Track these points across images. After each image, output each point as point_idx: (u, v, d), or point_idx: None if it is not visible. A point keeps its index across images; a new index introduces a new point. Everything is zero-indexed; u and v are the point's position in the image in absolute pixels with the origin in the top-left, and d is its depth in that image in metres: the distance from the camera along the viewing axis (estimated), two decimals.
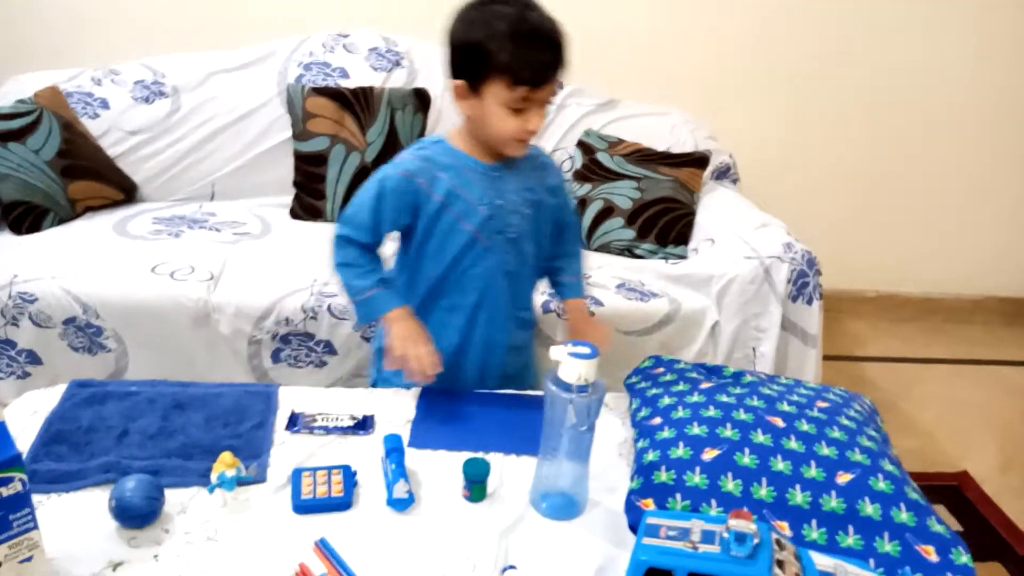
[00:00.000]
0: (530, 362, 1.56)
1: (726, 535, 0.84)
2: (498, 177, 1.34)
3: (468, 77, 1.26)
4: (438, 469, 1.16)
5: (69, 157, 2.21)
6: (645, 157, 2.37)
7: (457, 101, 1.30)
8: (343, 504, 1.06)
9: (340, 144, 2.31)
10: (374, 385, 1.52)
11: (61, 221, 2.17)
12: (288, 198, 2.37)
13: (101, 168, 2.30)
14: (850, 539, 0.97)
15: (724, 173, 2.56)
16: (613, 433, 1.28)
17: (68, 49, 2.53)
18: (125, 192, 2.35)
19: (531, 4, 1.25)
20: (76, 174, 2.22)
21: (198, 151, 2.39)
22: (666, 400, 1.22)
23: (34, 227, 2.11)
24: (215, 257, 1.99)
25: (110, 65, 2.42)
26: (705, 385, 1.25)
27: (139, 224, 2.18)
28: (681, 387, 1.26)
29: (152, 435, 1.18)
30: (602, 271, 2.13)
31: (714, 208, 2.32)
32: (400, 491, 1.06)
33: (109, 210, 2.28)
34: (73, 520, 1.01)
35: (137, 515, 0.99)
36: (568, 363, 1.01)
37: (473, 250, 1.35)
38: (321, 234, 2.19)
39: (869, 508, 0.99)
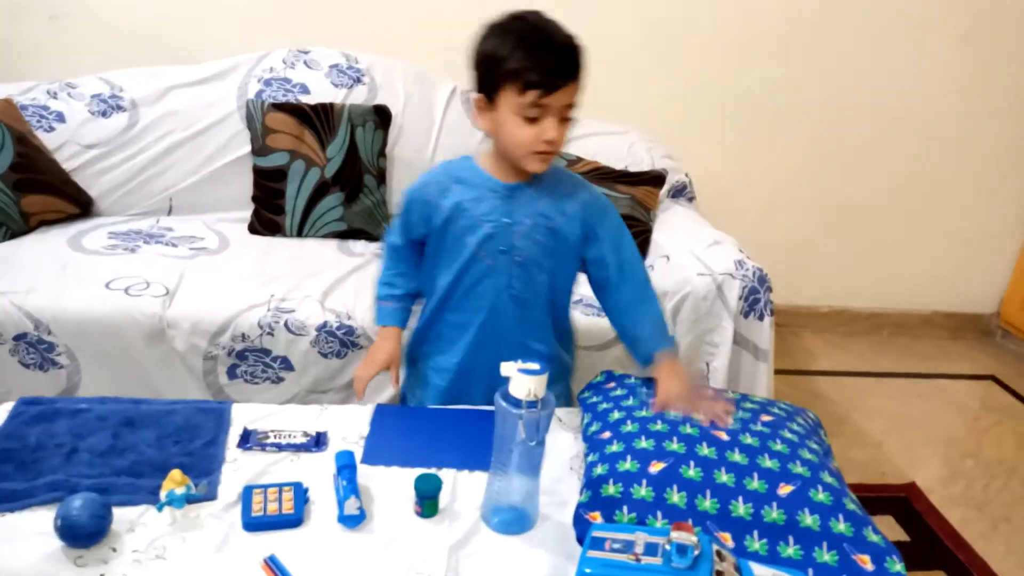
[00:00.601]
0: (562, 394, 1.51)
1: (668, 547, 0.86)
2: (511, 197, 1.34)
3: (484, 89, 1.27)
4: (390, 485, 1.16)
5: (22, 171, 2.18)
6: (603, 175, 2.40)
7: (477, 117, 1.31)
8: (294, 521, 1.07)
9: (300, 160, 2.31)
10: (403, 396, 1.60)
11: (14, 235, 2.13)
12: (247, 213, 2.36)
13: (56, 182, 2.27)
14: (790, 549, 1.00)
15: (680, 191, 2.61)
16: (565, 448, 1.30)
17: (23, 63, 2.50)
18: (81, 206, 2.32)
19: (546, 18, 1.26)
20: (30, 188, 2.19)
21: (156, 165, 2.37)
22: (616, 415, 1.24)
23: None
24: (171, 272, 1.97)
25: (66, 79, 2.40)
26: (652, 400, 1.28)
27: (94, 239, 2.16)
28: (631, 402, 1.29)
29: (102, 453, 1.17)
30: None
31: (670, 226, 2.37)
32: (351, 507, 1.07)
33: (64, 224, 2.25)
34: (18, 540, 1.00)
35: (83, 534, 0.98)
36: (517, 379, 1.03)
37: (476, 267, 1.36)
38: (280, 249, 2.21)
39: (809, 519, 1.02)
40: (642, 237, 2.31)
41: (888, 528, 2.06)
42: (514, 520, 1.10)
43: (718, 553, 0.89)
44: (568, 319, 1.54)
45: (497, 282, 1.37)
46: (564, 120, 1.26)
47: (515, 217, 1.34)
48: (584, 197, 1.39)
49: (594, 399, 1.32)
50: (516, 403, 1.03)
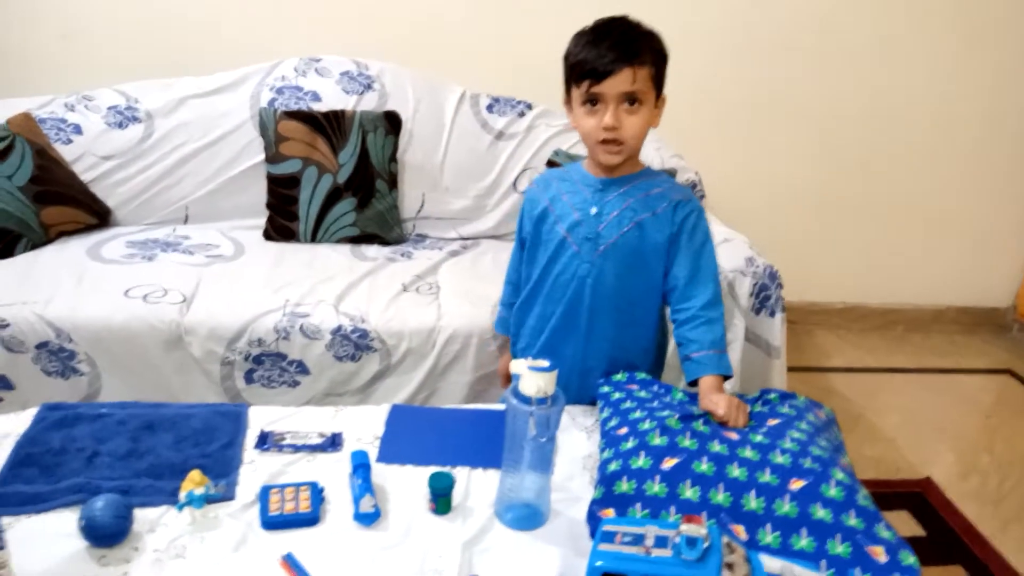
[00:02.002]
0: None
1: (678, 540, 0.87)
2: (602, 190, 1.41)
3: (566, 89, 1.37)
4: (405, 484, 1.18)
5: (42, 183, 2.22)
6: None
7: (568, 118, 1.40)
8: (310, 519, 1.09)
9: (312, 166, 2.34)
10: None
11: (34, 246, 2.18)
12: (261, 220, 2.39)
13: (75, 193, 2.32)
14: (803, 541, 1.00)
15: (690, 190, 2.61)
16: (577, 446, 1.31)
17: (39, 77, 2.55)
18: (99, 217, 2.36)
19: (620, 17, 1.33)
20: (49, 199, 2.23)
21: (171, 175, 2.41)
22: (636, 413, 1.25)
23: (7, 252, 2.12)
24: (188, 280, 2.00)
25: (83, 91, 2.44)
26: (673, 404, 1.29)
27: (112, 248, 2.20)
28: (654, 404, 1.29)
29: (122, 456, 1.20)
30: None
31: None
32: (366, 505, 1.09)
33: (83, 235, 2.29)
34: (43, 541, 1.02)
35: (106, 534, 1.01)
36: (527, 377, 1.05)
37: (564, 252, 1.43)
38: (294, 255, 2.24)
39: (821, 512, 1.02)
40: None
41: (904, 523, 2.05)
42: (527, 516, 1.11)
43: (728, 545, 0.90)
44: (655, 318, 1.48)
45: (580, 270, 1.42)
46: (631, 108, 1.30)
47: (603, 208, 1.40)
48: (677, 200, 1.40)
49: (616, 395, 1.33)
50: (526, 400, 1.05)
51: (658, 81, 1.33)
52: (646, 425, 1.19)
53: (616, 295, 1.42)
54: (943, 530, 2.05)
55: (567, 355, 1.46)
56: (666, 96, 1.38)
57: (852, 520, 1.02)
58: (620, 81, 1.27)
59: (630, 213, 1.38)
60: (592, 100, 1.30)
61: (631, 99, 1.30)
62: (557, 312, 1.46)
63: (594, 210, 1.39)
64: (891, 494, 2.15)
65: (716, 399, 1.24)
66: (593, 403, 1.42)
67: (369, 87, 2.49)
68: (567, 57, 1.34)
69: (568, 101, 1.38)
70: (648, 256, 1.40)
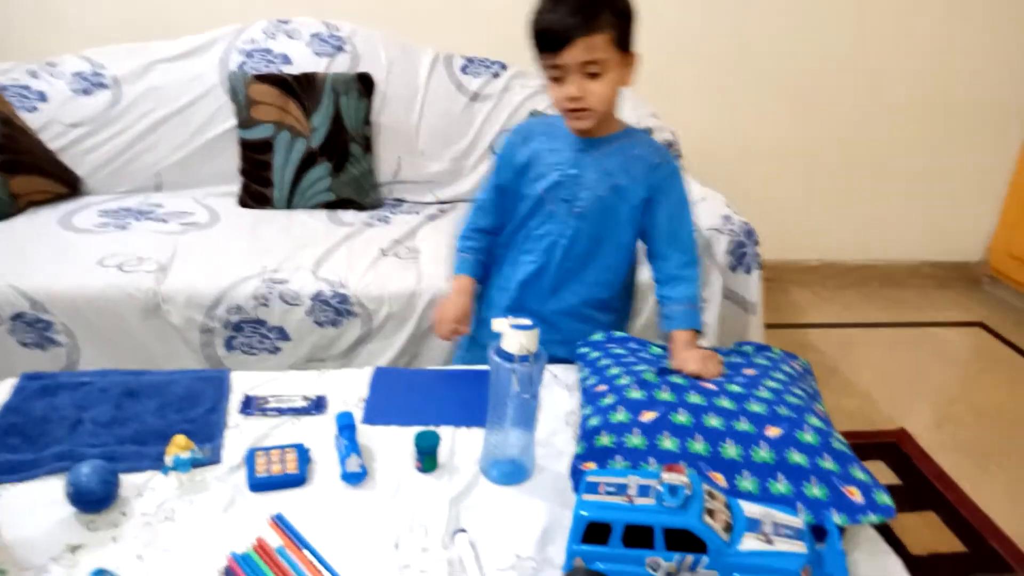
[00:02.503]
0: None
1: (660, 488, 0.89)
2: (583, 151, 1.39)
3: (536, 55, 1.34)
4: (391, 444, 1.19)
5: (8, 152, 2.17)
6: None
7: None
8: (298, 480, 1.09)
9: (285, 131, 2.31)
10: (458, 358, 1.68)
11: (4, 216, 2.14)
12: (235, 186, 2.37)
13: (42, 162, 2.27)
14: (780, 486, 1.03)
15: (667, 150, 2.61)
16: (560, 403, 1.33)
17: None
18: (68, 186, 2.32)
19: None
20: (16, 169, 2.18)
21: (142, 142, 2.37)
22: (613, 370, 1.27)
23: None
24: (163, 248, 1.98)
25: (46, 58, 2.38)
26: (649, 359, 1.31)
27: (84, 217, 2.17)
28: (630, 359, 1.31)
29: (105, 423, 1.19)
30: None
31: None
32: (353, 465, 1.10)
33: (53, 204, 2.25)
34: (30, 508, 1.02)
35: (93, 499, 1.01)
36: (510, 335, 1.06)
37: (539, 212, 1.43)
38: (270, 221, 2.22)
39: (797, 457, 1.05)
40: None
41: (880, 472, 2.11)
42: (512, 472, 1.13)
43: (709, 492, 0.92)
44: (625, 280, 1.53)
45: (553, 229, 1.43)
46: (593, 76, 1.28)
47: (582, 170, 1.39)
48: (654, 162, 1.40)
49: (594, 354, 1.34)
50: (509, 358, 1.06)
51: (622, 42, 1.29)
52: (623, 380, 1.21)
53: (587, 255, 1.45)
54: (917, 478, 2.10)
55: (531, 309, 1.47)
56: (639, 54, 1.34)
57: (827, 463, 1.04)
58: (576, 52, 1.25)
59: (608, 176, 1.39)
60: (554, 71, 1.29)
61: (591, 67, 1.27)
62: (528, 268, 1.48)
63: (574, 171, 1.39)
64: (867, 445, 2.20)
65: (685, 357, 1.27)
66: (567, 361, 1.44)
67: (340, 49, 2.46)
68: (530, 24, 1.31)
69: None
70: (622, 218, 1.42)
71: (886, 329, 2.97)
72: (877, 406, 2.44)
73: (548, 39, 1.26)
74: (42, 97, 2.33)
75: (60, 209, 2.22)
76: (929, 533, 1.90)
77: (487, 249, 1.55)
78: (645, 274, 2.04)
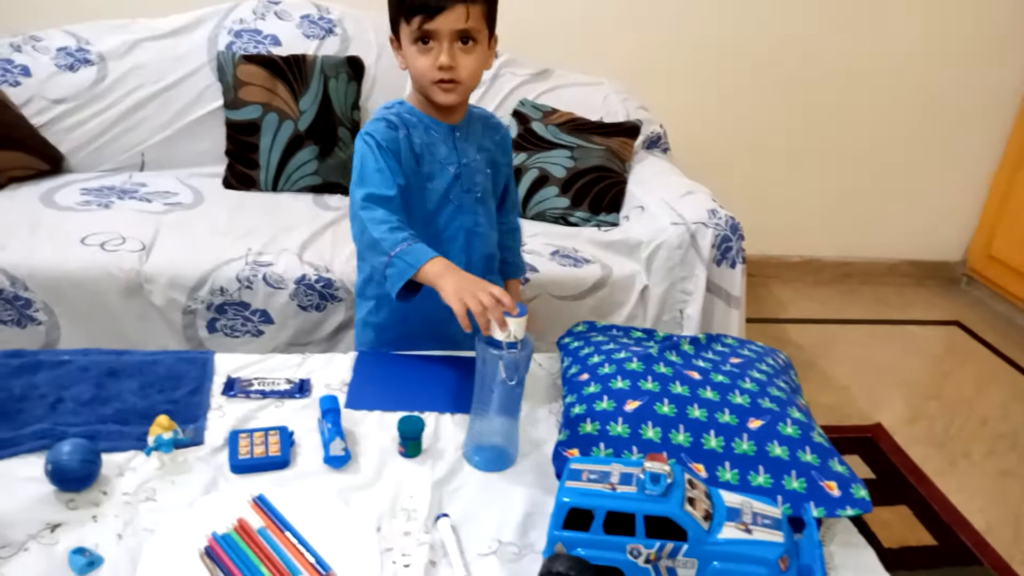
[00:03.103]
0: None
1: (642, 476, 0.90)
2: (460, 137, 1.37)
3: (393, 28, 1.29)
4: (374, 428, 1.19)
5: None
6: (579, 127, 2.42)
7: (396, 58, 1.32)
8: (280, 463, 1.09)
9: (273, 113, 2.30)
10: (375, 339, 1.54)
11: None
12: (220, 168, 2.35)
13: (24, 138, 2.24)
14: (760, 478, 1.04)
15: (655, 143, 2.63)
16: (544, 391, 1.33)
17: None
18: (51, 162, 2.29)
19: None
20: None
21: (126, 120, 2.35)
22: (595, 358, 1.27)
23: None
24: (146, 227, 1.97)
25: (30, 31, 2.35)
26: (632, 347, 1.32)
27: (67, 195, 2.14)
28: (610, 346, 1.32)
29: (86, 402, 1.19)
30: (537, 239, 2.18)
31: (644, 176, 2.39)
32: (336, 448, 1.10)
33: (35, 181, 2.23)
34: (9, 485, 1.02)
35: (74, 478, 1.00)
36: None
37: (445, 210, 1.38)
38: (255, 203, 2.21)
39: (778, 450, 1.06)
40: (617, 188, 2.33)
41: (855, 466, 2.14)
42: (495, 458, 1.14)
43: (690, 481, 0.93)
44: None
45: (465, 221, 1.40)
46: (465, 47, 1.25)
47: (468, 156, 1.38)
48: (503, 130, 1.48)
49: (575, 344, 1.35)
50: (496, 344, 1.06)
51: (491, 20, 1.28)
52: (606, 369, 1.22)
53: (490, 229, 1.47)
54: (891, 472, 2.14)
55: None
56: (498, 36, 1.32)
57: (807, 456, 1.06)
58: (454, 18, 1.21)
59: (486, 154, 1.42)
60: (424, 38, 1.23)
61: (465, 37, 1.24)
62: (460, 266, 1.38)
63: (464, 160, 1.37)
64: (843, 439, 2.23)
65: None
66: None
67: (330, 31, 2.44)
68: None
69: (396, 39, 1.30)
70: (498, 186, 1.50)
71: (864, 326, 3.01)
72: (854, 401, 2.47)
73: (423, 2, 1.19)
74: (25, 72, 2.29)
75: (42, 186, 2.19)
76: (901, 526, 1.93)
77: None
78: (626, 267, 2.06)
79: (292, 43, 2.40)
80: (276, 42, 2.40)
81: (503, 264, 1.58)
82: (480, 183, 1.41)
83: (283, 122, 2.30)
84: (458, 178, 1.37)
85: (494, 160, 1.45)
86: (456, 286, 1.11)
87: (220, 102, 2.35)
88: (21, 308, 1.82)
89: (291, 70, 2.30)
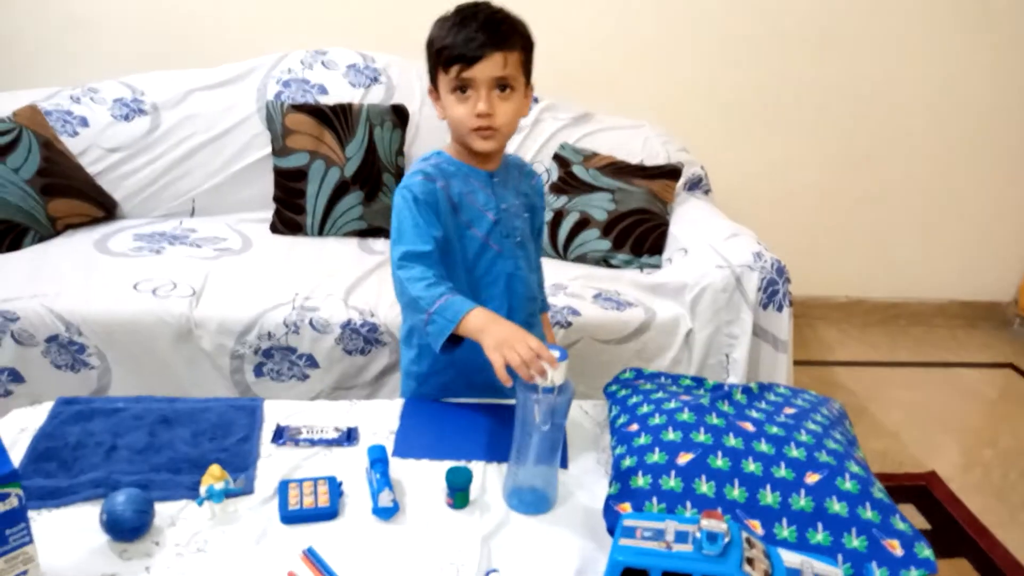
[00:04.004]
0: None
1: (698, 535, 0.88)
2: (498, 183, 1.38)
3: (431, 78, 1.31)
4: (422, 478, 1.19)
5: (49, 175, 2.22)
6: (619, 169, 2.42)
7: (435, 108, 1.34)
8: (329, 514, 1.09)
9: (319, 160, 2.34)
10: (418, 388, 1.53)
11: (41, 239, 2.18)
12: (268, 213, 2.40)
13: (81, 186, 2.31)
14: (819, 536, 1.01)
15: (696, 184, 2.62)
16: (591, 440, 1.32)
17: (44, 69, 2.55)
18: (105, 209, 2.36)
19: (483, 2, 1.27)
20: (56, 192, 2.23)
21: (178, 168, 2.41)
22: (644, 408, 1.26)
23: (14, 246, 2.12)
24: (196, 273, 2.00)
25: (88, 83, 2.44)
26: (682, 396, 1.30)
27: (120, 241, 2.20)
28: (659, 395, 1.30)
29: (140, 450, 1.20)
30: (579, 281, 2.18)
31: (687, 219, 2.38)
32: (385, 500, 1.09)
33: (89, 227, 2.29)
34: (65, 535, 1.03)
35: (128, 528, 1.01)
36: None
37: (485, 256, 1.38)
38: (302, 248, 2.24)
39: (837, 506, 1.03)
40: (659, 230, 2.33)
41: (909, 517, 2.05)
42: (534, 502, 1.13)
43: (747, 540, 0.91)
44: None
45: (505, 266, 1.40)
46: (503, 94, 1.26)
47: (508, 202, 1.39)
48: (537, 176, 1.52)
49: (623, 392, 1.34)
50: (534, 388, 1.06)
51: (527, 68, 1.30)
52: (657, 420, 1.20)
53: (530, 273, 1.47)
54: (948, 523, 2.06)
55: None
56: (534, 84, 1.34)
57: (868, 513, 1.03)
58: (491, 66, 1.23)
59: (524, 199, 1.44)
60: (462, 87, 1.25)
61: (502, 85, 1.25)
62: (503, 314, 1.37)
63: (504, 206, 1.38)
64: (896, 488, 2.16)
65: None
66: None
67: (376, 80, 2.49)
68: (432, 43, 1.28)
69: (435, 89, 1.31)
70: (534, 232, 1.51)
71: (914, 368, 2.94)
72: (906, 447, 2.40)
73: (462, 51, 1.22)
74: (84, 122, 2.38)
75: (96, 232, 2.25)
76: None
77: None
78: (670, 310, 2.05)
79: (339, 92, 2.46)
80: (323, 91, 2.46)
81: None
82: (519, 228, 1.41)
83: (329, 168, 2.34)
84: (497, 223, 1.37)
85: (532, 205, 1.48)
86: (497, 340, 1.12)
87: (268, 150, 2.40)
88: (75, 353, 1.86)
89: (338, 118, 2.35)
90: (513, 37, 1.26)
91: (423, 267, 1.24)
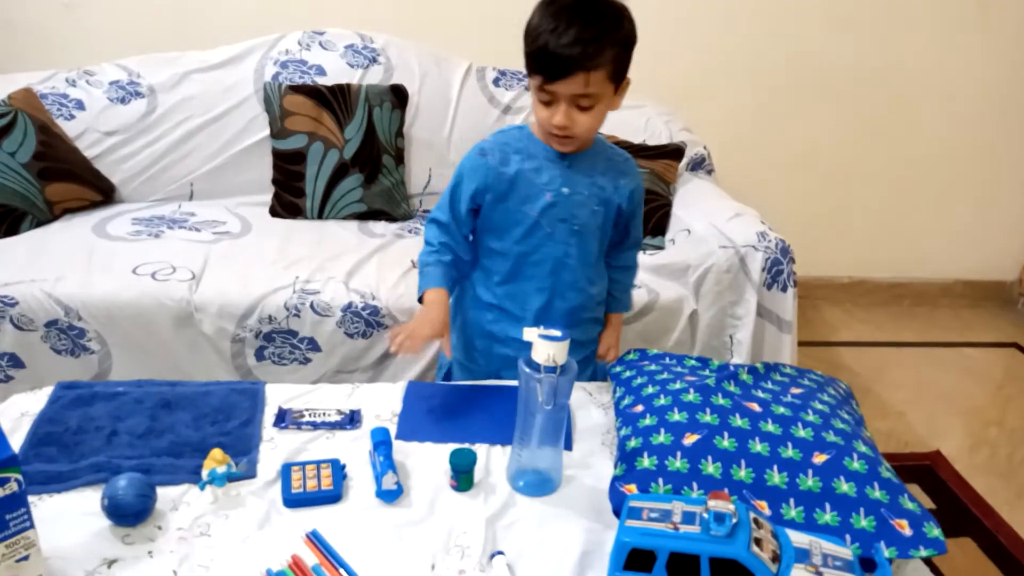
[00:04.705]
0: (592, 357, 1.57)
1: (706, 515, 0.87)
2: (569, 167, 1.36)
3: (526, 62, 1.29)
4: (425, 461, 1.18)
5: (46, 159, 2.20)
6: None
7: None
8: (333, 497, 1.08)
9: (318, 141, 2.32)
10: (447, 376, 1.62)
11: (39, 224, 2.16)
12: (267, 196, 2.38)
13: (78, 170, 2.29)
14: (827, 516, 1.00)
15: (699, 164, 2.60)
16: (595, 421, 1.31)
17: (39, 52, 2.52)
18: (103, 193, 2.34)
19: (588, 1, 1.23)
20: (53, 176, 2.21)
21: (176, 151, 2.39)
22: (649, 389, 1.25)
23: (12, 230, 2.10)
24: (196, 257, 1.99)
25: (84, 66, 2.41)
26: (687, 376, 1.29)
27: (118, 225, 2.18)
28: (664, 375, 1.29)
29: (141, 434, 1.19)
30: None
31: (690, 199, 2.36)
32: (389, 483, 1.09)
33: (87, 212, 2.27)
34: (66, 520, 1.02)
35: (130, 513, 1.00)
36: (538, 344, 1.05)
37: (535, 235, 1.38)
38: (301, 231, 2.22)
39: (844, 486, 1.02)
40: (662, 211, 2.31)
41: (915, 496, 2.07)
42: (538, 483, 1.12)
43: (755, 520, 0.90)
44: (604, 274, 1.54)
45: (555, 251, 1.39)
46: (582, 108, 1.26)
47: (574, 187, 1.37)
48: (635, 176, 1.45)
49: (627, 373, 1.32)
50: (536, 368, 1.05)
51: (618, 74, 1.27)
52: (662, 401, 1.19)
53: (583, 266, 1.43)
54: (953, 503, 2.06)
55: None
56: (630, 79, 1.31)
57: (876, 493, 1.02)
58: (573, 85, 1.22)
59: (598, 190, 1.39)
60: (545, 93, 1.25)
61: (583, 100, 1.25)
62: (523, 291, 1.43)
63: (566, 190, 1.36)
64: (900, 468, 2.14)
65: (614, 341, 1.57)
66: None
67: (374, 60, 2.46)
68: (527, 34, 1.25)
69: (528, 70, 1.30)
70: (609, 228, 1.46)
71: (919, 348, 2.92)
72: (911, 427, 2.39)
73: (547, 66, 1.21)
74: (80, 105, 2.35)
75: (94, 216, 2.24)
76: (967, 561, 1.86)
77: (457, 266, 1.45)
78: (674, 291, 2.03)
79: (337, 73, 2.43)
80: (321, 72, 2.43)
81: (609, 297, 1.55)
82: (581, 217, 1.38)
83: (328, 151, 2.32)
84: (554, 205, 1.36)
85: (609, 201, 1.41)
86: (421, 315, 1.37)
87: (267, 132, 2.38)
88: (75, 337, 1.85)
89: (336, 99, 2.33)
90: (604, 52, 1.21)
91: (435, 231, 1.44)
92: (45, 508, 1.04)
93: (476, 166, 1.38)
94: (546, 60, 1.21)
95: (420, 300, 1.42)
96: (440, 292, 1.39)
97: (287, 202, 2.34)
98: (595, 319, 1.54)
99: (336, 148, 2.32)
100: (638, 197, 1.47)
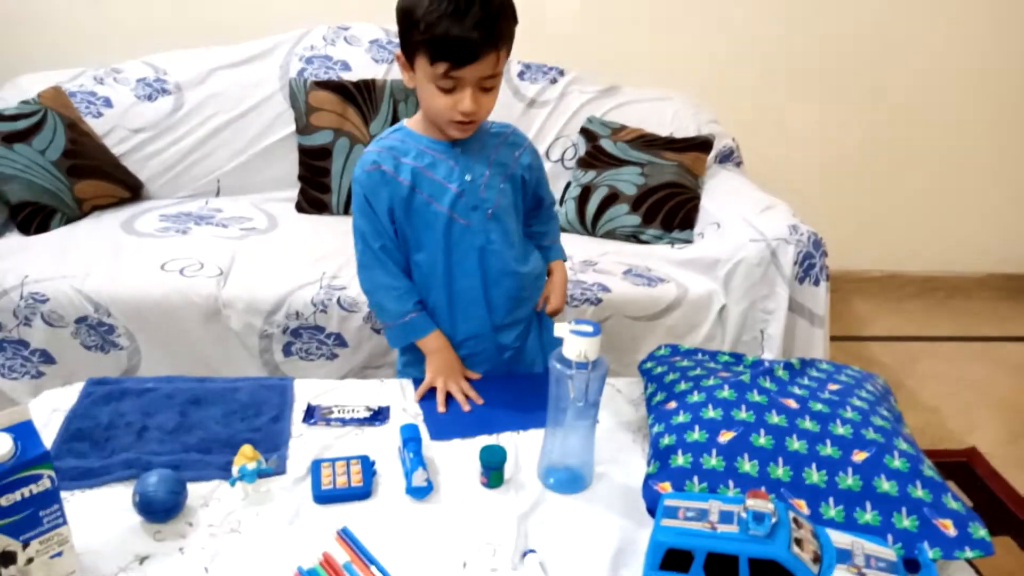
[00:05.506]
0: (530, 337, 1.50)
1: (744, 515, 0.85)
2: (462, 153, 1.30)
3: (404, 48, 1.21)
4: (455, 457, 1.17)
5: (75, 157, 2.21)
6: (648, 143, 2.37)
7: (402, 74, 1.26)
8: (363, 493, 1.08)
9: (344, 137, 2.31)
10: (400, 375, 1.52)
11: (69, 220, 2.18)
12: (293, 192, 2.38)
13: (106, 167, 2.31)
14: (868, 515, 0.98)
15: (727, 157, 2.56)
16: (626, 418, 1.29)
17: (67, 50, 2.53)
18: (131, 190, 2.36)
19: None
20: (82, 173, 2.22)
21: (202, 148, 2.40)
22: (682, 385, 1.22)
23: (42, 227, 2.12)
24: (223, 253, 1.99)
25: (112, 64, 2.43)
26: (721, 372, 1.26)
27: (146, 222, 2.19)
28: (697, 372, 1.27)
29: (171, 430, 1.19)
30: (608, 257, 2.14)
31: (719, 192, 2.33)
32: (419, 479, 1.07)
33: (116, 208, 2.29)
34: (98, 516, 1.02)
35: (161, 509, 1.00)
36: (570, 340, 1.03)
37: (453, 230, 1.31)
38: (328, 227, 2.22)
39: (885, 485, 1.00)
40: (691, 204, 2.28)
41: None
42: (568, 480, 1.11)
43: (795, 520, 0.87)
44: (530, 245, 1.49)
45: (475, 239, 1.33)
46: (485, 90, 1.20)
47: (475, 172, 1.31)
48: (524, 142, 1.40)
49: (659, 369, 1.30)
50: (568, 364, 1.04)
51: (509, 49, 1.22)
52: (695, 397, 1.17)
53: (508, 248, 1.37)
54: (990, 500, 2.01)
55: (474, 327, 1.39)
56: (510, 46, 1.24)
57: (918, 492, 0.99)
58: (484, 65, 1.16)
59: (500, 168, 1.33)
60: (447, 80, 1.17)
61: (488, 81, 1.19)
62: (458, 289, 1.37)
63: (468, 176, 1.30)
64: (935, 464, 2.11)
65: (560, 290, 1.48)
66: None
67: None
68: (415, 20, 1.14)
69: (405, 60, 1.22)
70: (519, 201, 1.39)
71: (953, 343, 2.87)
72: (945, 423, 2.35)
73: (453, 51, 1.13)
74: (107, 103, 2.37)
75: (123, 213, 2.25)
76: (1007, 559, 1.81)
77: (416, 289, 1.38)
78: (703, 286, 2.00)
79: (362, 68, 2.42)
80: (346, 67, 2.43)
81: (542, 250, 1.48)
82: (491, 199, 1.32)
83: (354, 146, 2.31)
84: (461, 195, 1.30)
85: (515, 177, 1.36)
86: (438, 367, 1.34)
87: (292, 128, 2.38)
88: (104, 334, 1.86)
89: (361, 94, 2.32)
90: (503, 32, 1.17)
91: (384, 269, 1.34)
92: (77, 504, 1.04)
93: (375, 181, 1.29)
94: (451, 46, 1.13)
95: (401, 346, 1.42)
96: (440, 333, 1.38)
97: (313, 198, 2.34)
98: (537, 292, 1.47)
99: (361, 143, 2.31)
100: (537, 163, 1.42)
